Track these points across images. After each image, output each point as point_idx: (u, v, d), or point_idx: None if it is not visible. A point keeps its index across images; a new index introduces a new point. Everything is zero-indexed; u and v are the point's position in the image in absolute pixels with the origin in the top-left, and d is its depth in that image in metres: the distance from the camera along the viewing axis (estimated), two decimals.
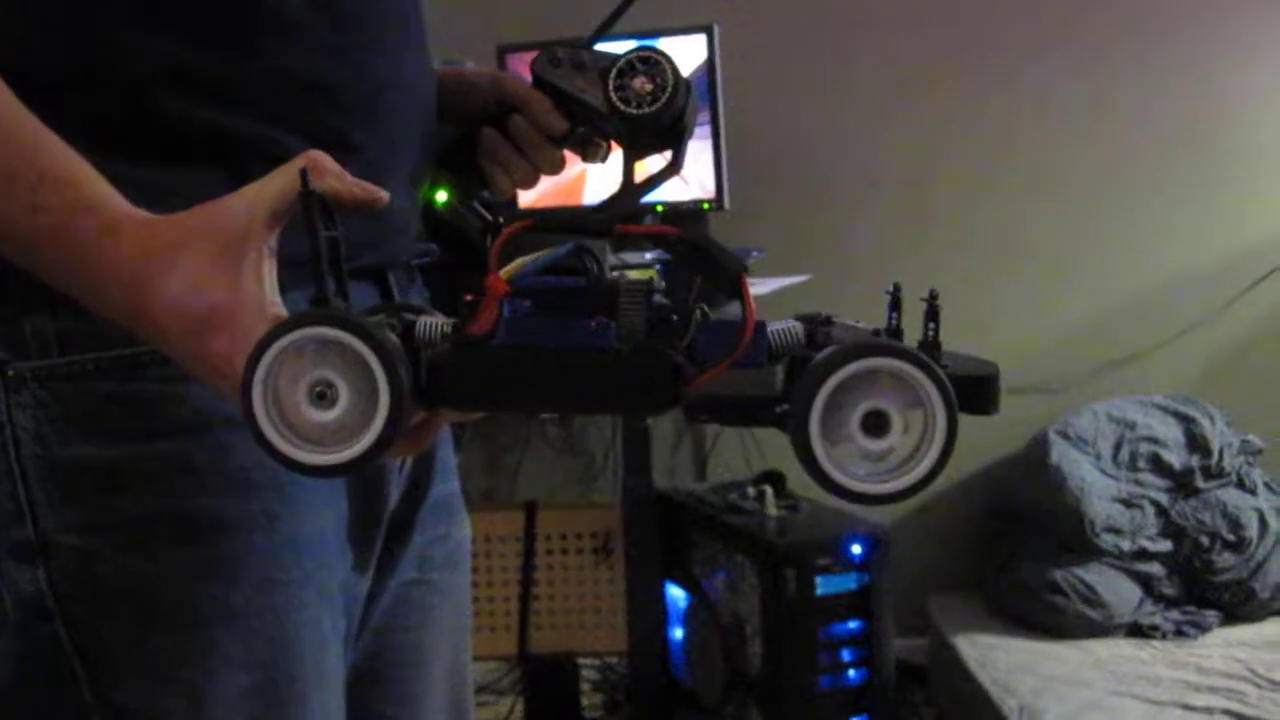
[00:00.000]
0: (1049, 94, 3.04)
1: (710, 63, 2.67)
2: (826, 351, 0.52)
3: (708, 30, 2.68)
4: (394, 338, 0.55)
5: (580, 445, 3.13)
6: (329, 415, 0.55)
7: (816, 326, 0.57)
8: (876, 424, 0.52)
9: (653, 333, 0.57)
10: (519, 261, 0.57)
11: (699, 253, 0.56)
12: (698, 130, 2.64)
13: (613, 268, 0.59)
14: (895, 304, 0.57)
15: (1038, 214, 3.06)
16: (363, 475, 0.88)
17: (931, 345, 0.55)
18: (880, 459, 0.52)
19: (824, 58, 3.07)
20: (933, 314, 0.55)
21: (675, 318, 0.57)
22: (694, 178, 2.69)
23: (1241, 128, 3.03)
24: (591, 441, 3.12)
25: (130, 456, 0.75)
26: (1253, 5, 3.01)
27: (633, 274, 0.58)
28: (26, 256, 0.67)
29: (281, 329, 0.54)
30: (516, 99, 0.94)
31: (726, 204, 2.71)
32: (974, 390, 0.54)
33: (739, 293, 0.55)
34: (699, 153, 2.67)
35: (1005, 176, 3.06)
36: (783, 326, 0.57)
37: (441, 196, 0.98)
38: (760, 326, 0.56)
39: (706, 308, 0.57)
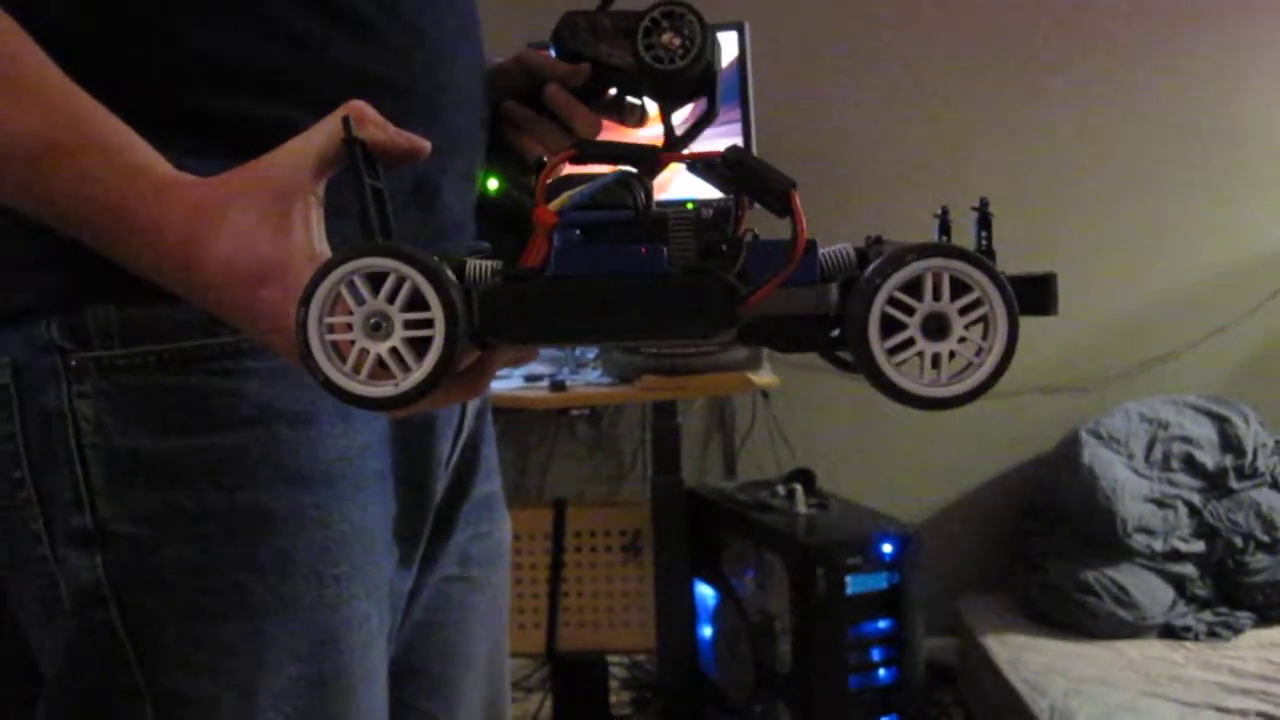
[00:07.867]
0: (1081, 93, 3.03)
1: (741, 60, 2.66)
2: (884, 255, 0.51)
3: (739, 28, 2.67)
4: (447, 269, 0.55)
5: (609, 443, 3.12)
6: (383, 347, 0.54)
7: (869, 246, 0.57)
8: (937, 327, 0.51)
9: (705, 257, 0.56)
10: (566, 195, 0.57)
11: (746, 171, 0.56)
12: (728, 127, 2.61)
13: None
14: (945, 227, 0.56)
15: (1069, 213, 3.05)
16: (412, 464, 0.89)
17: (986, 252, 0.54)
18: (943, 364, 0.52)
19: (856, 55, 3.07)
20: (984, 221, 0.54)
21: (725, 247, 0.56)
22: None
23: (1275, 129, 3.01)
24: (621, 439, 3.12)
25: (188, 448, 0.76)
26: None
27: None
28: (74, 224, 0.67)
29: (335, 261, 0.54)
30: (544, 72, 0.94)
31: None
32: (1033, 290, 0.53)
33: (789, 210, 0.54)
34: None
35: (1037, 175, 3.05)
36: (835, 249, 0.56)
37: (493, 184, 0.98)
38: (811, 243, 0.55)
39: (757, 232, 0.57)
